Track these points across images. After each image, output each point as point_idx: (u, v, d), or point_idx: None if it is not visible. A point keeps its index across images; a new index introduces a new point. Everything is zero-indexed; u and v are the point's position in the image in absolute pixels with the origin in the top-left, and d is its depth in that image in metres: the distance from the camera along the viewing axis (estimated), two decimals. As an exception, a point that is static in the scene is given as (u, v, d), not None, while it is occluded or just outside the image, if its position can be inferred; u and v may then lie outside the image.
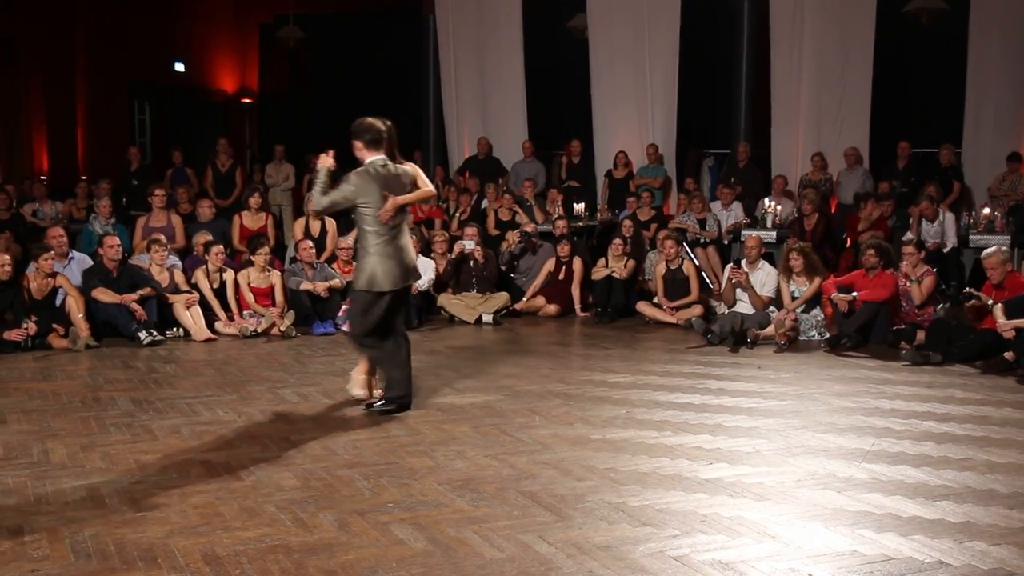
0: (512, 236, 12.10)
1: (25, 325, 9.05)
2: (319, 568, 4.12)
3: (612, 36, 14.86)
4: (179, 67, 18.80)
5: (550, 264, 11.50)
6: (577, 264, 11.41)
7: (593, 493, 5.10)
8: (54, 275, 9.52)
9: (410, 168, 7.05)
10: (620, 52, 14.85)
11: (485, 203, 13.73)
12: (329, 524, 4.64)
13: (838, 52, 13.98)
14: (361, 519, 4.70)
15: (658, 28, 14.53)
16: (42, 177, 15.40)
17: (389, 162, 6.82)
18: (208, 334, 9.82)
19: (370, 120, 6.90)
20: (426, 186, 7.08)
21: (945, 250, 11.55)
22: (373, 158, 6.81)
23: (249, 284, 10.34)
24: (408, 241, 6.92)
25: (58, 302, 9.45)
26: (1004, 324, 8.16)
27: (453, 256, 11.28)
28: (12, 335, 8.97)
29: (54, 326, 9.26)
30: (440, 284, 11.16)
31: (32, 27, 16.19)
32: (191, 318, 9.86)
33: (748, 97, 14.85)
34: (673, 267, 10.76)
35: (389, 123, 6.91)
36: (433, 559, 4.21)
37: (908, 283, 9.33)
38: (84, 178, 14.95)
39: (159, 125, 18.84)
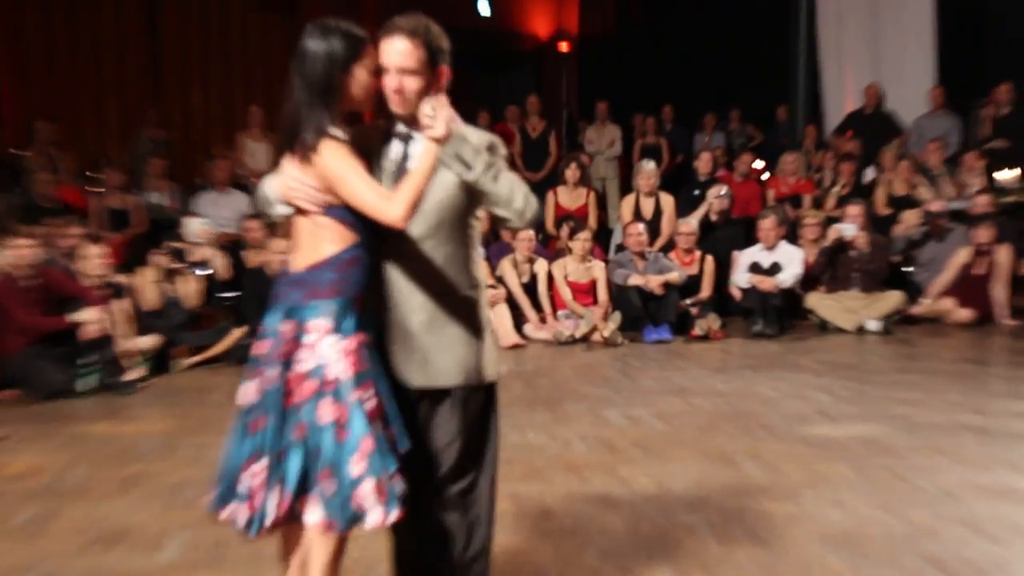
0: (911, 217, 11.83)
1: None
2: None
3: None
4: (484, 10, 19.40)
5: (964, 254, 11.19)
6: (1004, 255, 11.03)
7: (1020, 561, 4.94)
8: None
9: None
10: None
11: (872, 173, 13.47)
12: (667, 580, 4.73)
13: None
14: (707, 576, 4.78)
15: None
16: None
17: None
18: (516, 339, 10.17)
19: None
20: None
21: None
22: None
23: (566, 278, 10.61)
24: None
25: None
26: None
27: (828, 244, 11.16)
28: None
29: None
30: (809, 280, 11.07)
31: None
32: (495, 318, 10.20)
33: None
34: None
35: None
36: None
37: None
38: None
39: (462, 80, 19.47)
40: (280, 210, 3.87)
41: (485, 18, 19.36)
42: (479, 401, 3.92)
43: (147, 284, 9.65)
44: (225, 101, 16.63)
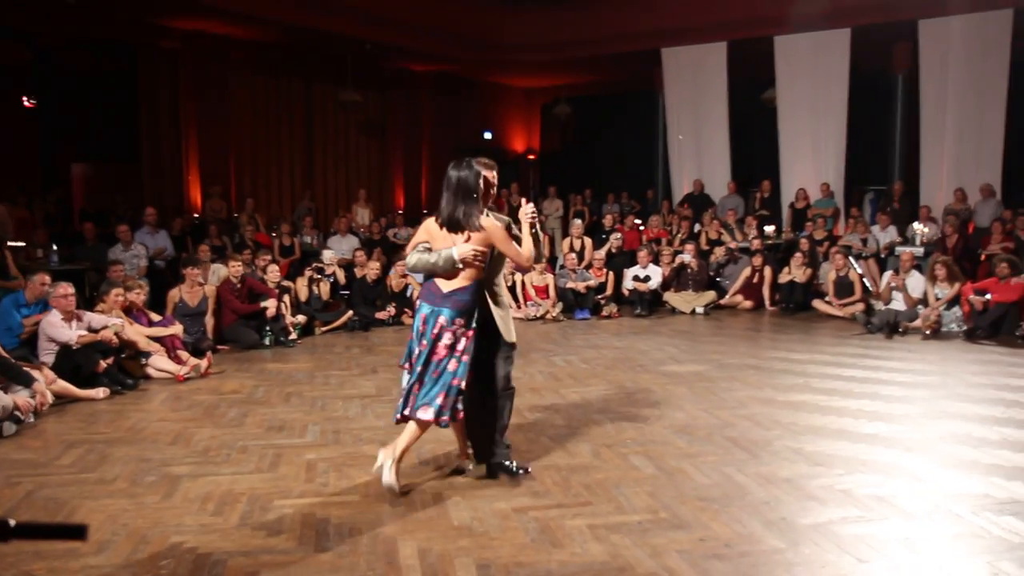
0: (719, 251, 11.79)
1: (388, 309, 9.65)
2: (579, 482, 4.18)
3: (795, 103, 14.18)
4: (487, 136, 19.38)
5: (747, 271, 11.16)
6: (767, 271, 11.01)
7: (778, 440, 4.91)
8: (406, 276, 10.07)
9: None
10: (801, 113, 14.16)
11: (699, 227, 13.46)
12: (586, 452, 4.69)
13: (975, 109, 12.78)
14: (608, 450, 4.72)
15: (830, 96, 13.76)
16: (399, 211, 16.31)
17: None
18: (504, 317, 10.10)
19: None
20: None
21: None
22: None
23: (531, 283, 10.56)
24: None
25: (408, 294, 10.00)
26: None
27: (675, 265, 11.11)
28: (381, 315, 9.59)
29: (405, 310, 9.80)
30: (665, 285, 11.01)
31: (397, 115, 17.14)
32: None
33: (902, 145, 13.97)
34: (841, 274, 10.20)
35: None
36: (660, 481, 4.19)
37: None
38: (425, 211, 15.72)
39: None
40: (459, 265, 3.89)
41: (488, 140, 19.30)
42: (512, 349, 4.20)
43: (301, 286, 9.54)
44: (345, 185, 16.53)
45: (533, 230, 4.05)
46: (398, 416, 4.02)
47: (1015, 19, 12.17)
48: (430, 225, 4.06)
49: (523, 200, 4.27)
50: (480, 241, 3.89)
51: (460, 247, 3.88)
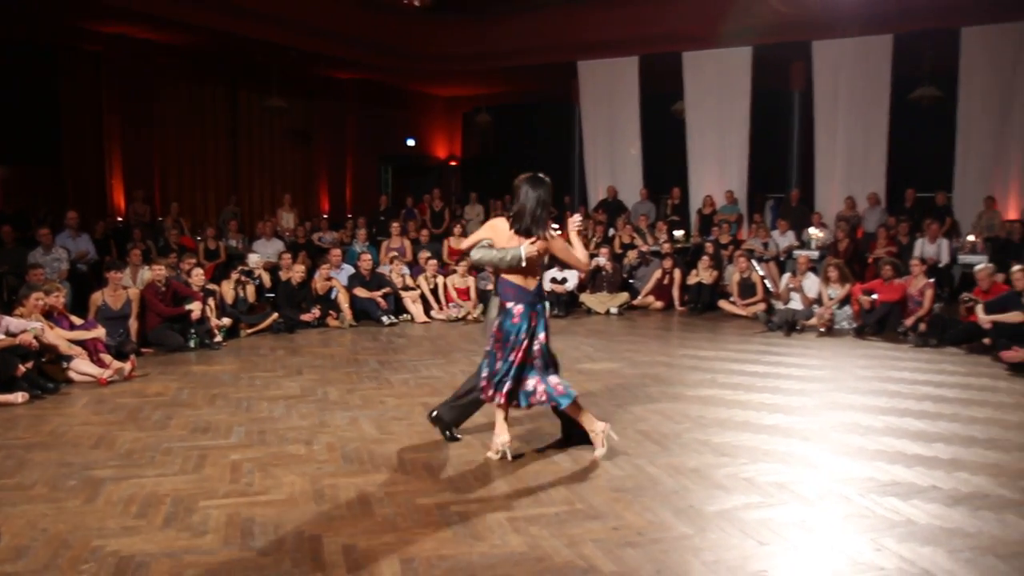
0: (632, 254, 11.97)
1: (313, 311, 9.48)
2: (502, 472, 4.20)
3: (701, 115, 14.57)
4: (410, 143, 19.24)
5: (658, 273, 11.35)
6: (677, 273, 11.22)
7: (687, 432, 5.02)
8: (330, 278, 9.93)
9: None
10: (707, 126, 14.56)
11: (613, 231, 13.64)
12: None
13: (863, 125, 13.43)
14: (527, 446, 4.73)
15: (734, 110, 14.19)
16: (324, 215, 16.05)
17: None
18: (425, 318, 10.05)
19: None
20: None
21: (940, 265, 10.98)
22: None
23: (453, 285, 10.53)
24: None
25: (333, 296, 9.85)
26: (984, 318, 7.72)
27: (591, 268, 11.22)
28: (306, 317, 9.41)
29: (330, 312, 9.66)
30: (581, 286, 11.13)
31: (321, 121, 16.90)
32: (415, 308, 10.13)
33: (799, 157, 14.59)
34: (744, 276, 10.50)
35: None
36: (576, 474, 4.23)
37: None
38: (349, 216, 15.50)
39: (397, 180, 19.35)
40: (522, 264, 4.19)
41: (411, 147, 19.18)
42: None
43: (227, 289, 9.28)
44: (270, 190, 16.19)
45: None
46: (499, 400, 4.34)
47: (895, 44, 12.83)
48: (499, 225, 4.34)
49: (570, 214, 4.64)
50: (543, 247, 4.25)
51: (527, 247, 4.18)
